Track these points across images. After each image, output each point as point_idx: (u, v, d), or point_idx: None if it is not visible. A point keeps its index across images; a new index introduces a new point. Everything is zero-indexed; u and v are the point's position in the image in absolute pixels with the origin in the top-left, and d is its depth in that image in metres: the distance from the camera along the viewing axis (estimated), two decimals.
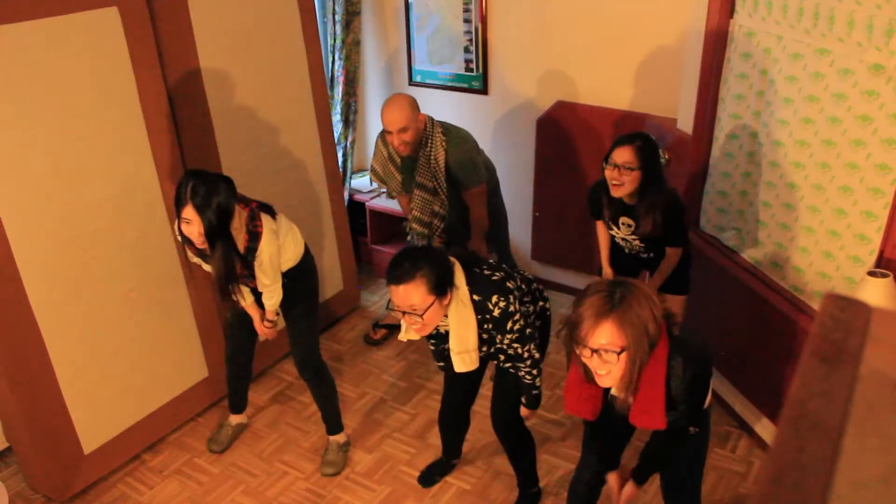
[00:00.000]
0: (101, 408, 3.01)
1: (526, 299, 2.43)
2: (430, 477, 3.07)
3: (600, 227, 3.12)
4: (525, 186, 4.28)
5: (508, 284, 2.29)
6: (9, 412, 2.87)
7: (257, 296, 2.91)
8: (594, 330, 1.86)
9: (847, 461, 0.56)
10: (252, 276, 2.78)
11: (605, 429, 2.27)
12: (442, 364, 2.70)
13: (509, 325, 2.28)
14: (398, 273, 2.14)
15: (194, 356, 3.38)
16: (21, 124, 2.58)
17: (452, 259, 2.29)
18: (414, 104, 3.21)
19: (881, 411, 0.61)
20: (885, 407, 0.62)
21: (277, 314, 2.97)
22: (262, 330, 2.99)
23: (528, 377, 2.45)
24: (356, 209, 4.60)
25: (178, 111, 3.10)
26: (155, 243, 3.07)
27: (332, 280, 4.08)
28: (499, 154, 4.29)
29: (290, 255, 2.86)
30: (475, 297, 2.25)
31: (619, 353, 1.85)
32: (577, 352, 1.92)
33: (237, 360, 3.18)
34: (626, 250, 3.04)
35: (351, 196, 4.59)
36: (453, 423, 2.93)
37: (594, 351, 1.87)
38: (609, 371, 1.89)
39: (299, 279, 2.93)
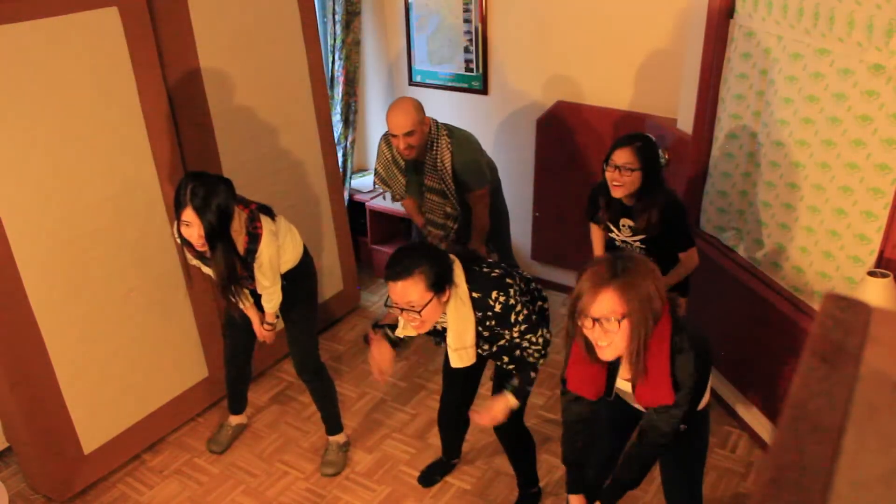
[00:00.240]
0: (101, 408, 3.01)
1: (524, 299, 2.43)
2: (430, 477, 3.07)
3: (594, 230, 3.12)
4: (525, 186, 4.28)
5: (507, 280, 2.29)
6: (9, 412, 2.87)
7: (256, 298, 2.91)
8: (595, 298, 1.83)
9: (847, 461, 0.56)
10: (252, 277, 2.78)
11: (595, 451, 2.27)
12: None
13: (513, 317, 2.27)
14: (397, 270, 2.14)
15: (194, 356, 3.38)
16: (21, 124, 2.58)
17: (452, 257, 2.29)
18: (419, 107, 3.20)
19: (881, 411, 0.61)
20: (885, 407, 0.62)
21: (277, 317, 2.96)
22: (262, 333, 2.98)
23: (532, 357, 2.39)
24: (356, 209, 4.60)
25: (178, 111, 3.10)
26: (155, 243, 3.07)
27: (332, 280, 4.08)
28: (499, 154, 4.29)
29: (290, 257, 2.86)
30: (474, 295, 2.25)
31: (619, 321, 1.82)
32: (580, 323, 1.89)
33: (236, 362, 3.17)
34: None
35: (351, 196, 4.59)
36: (452, 422, 2.91)
37: (595, 321, 1.84)
38: (610, 342, 1.86)
39: (298, 280, 2.92)
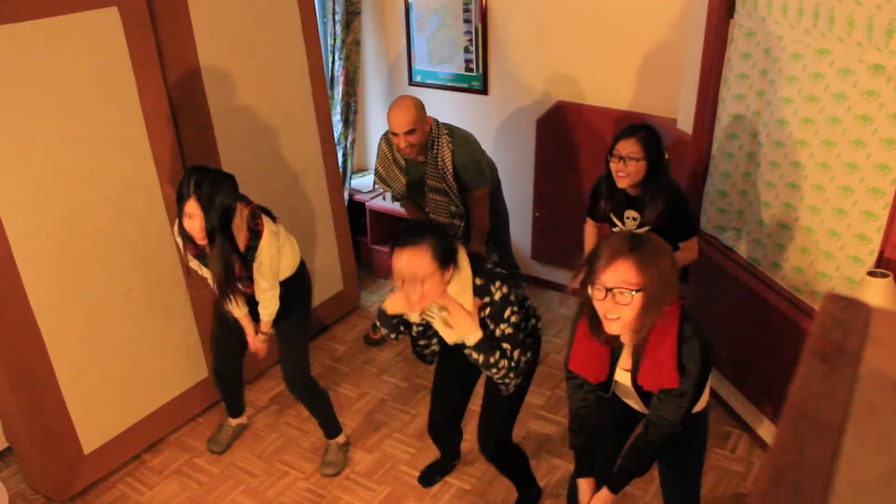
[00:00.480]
0: (101, 408, 3.01)
1: (519, 311, 2.42)
2: (430, 477, 3.07)
3: (589, 226, 3.11)
4: (525, 186, 4.28)
5: (509, 280, 2.30)
6: (9, 412, 2.87)
7: (252, 306, 2.87)
8: (611, 266, 1.81)
9: (847, 461, 0.56)
10: (250, 279, 2.76)
11: (601, 433, 2.25)
12: (427, 352, 2.59)
13: (507, 312, 2.26)
14: (405, 239, 2.16)
15: (194, 356, 3.38)
16: (21, 124, 2.58)
17: (458, 244, 2.30)
18: (420, 106, 3.20)
19: (881, 411, 0.61)
20: (885, 407, 0.62)
21: (272, 327, 2.93)
22: (256, 345, 2.95)
23: (501, 372, 2.34)
24: (356, 209, 4.60)
25: (178, 111, 3.10)
26: (155, 243, 3.07)
27: (332, 280, 4.08)
28: (499, 154, 4.29)
29: (288, 264, 2.84)
30: (478, 281, 2.25)
31: (634, 293, 1.79)
32: (591, 292, 1.86)
33: (224, 374, 3.13)
34: None
35: (351, 196, 4.59)
36: (441, 434, 2.90)
37: (608, 291, 1.81)
38: (620, 315, 1.83)
39: (296, 287, 2.89)
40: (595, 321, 1.93)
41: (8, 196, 2.58)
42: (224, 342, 3.06)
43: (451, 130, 3.32)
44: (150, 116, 2.97)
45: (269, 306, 2.82)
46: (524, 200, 4.32)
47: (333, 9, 4.19)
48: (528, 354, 2.43)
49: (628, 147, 2.72)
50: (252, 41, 3.35)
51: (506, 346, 2.30)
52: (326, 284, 4.03)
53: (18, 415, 2.78)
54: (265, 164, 3.52)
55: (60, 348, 2.81)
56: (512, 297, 2.27)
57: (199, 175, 2.49)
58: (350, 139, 4.51)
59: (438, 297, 2.22)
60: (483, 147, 3.57)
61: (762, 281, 3.00)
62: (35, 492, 3.05)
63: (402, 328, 2.44)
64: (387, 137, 3.40)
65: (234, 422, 3.33)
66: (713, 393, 3.43)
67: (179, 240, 2.73)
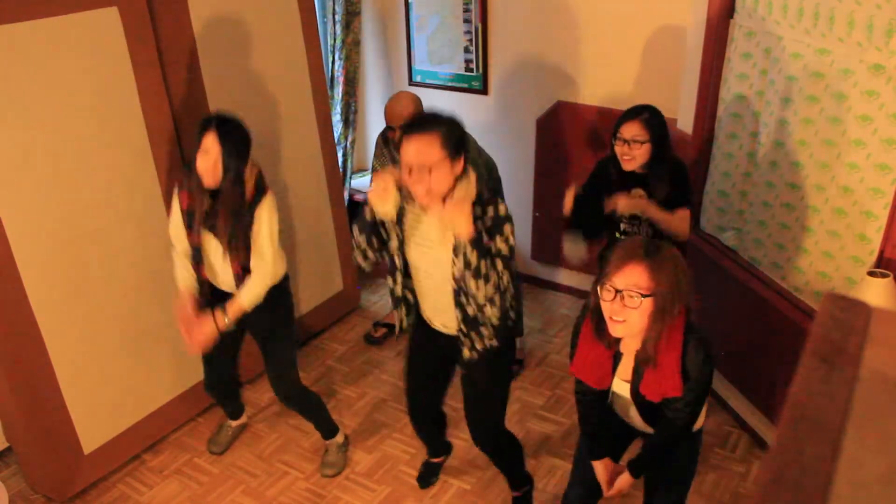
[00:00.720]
0: (101, 408, 3.01)
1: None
2: (425, 478, 3.07)
3: (571, 193, 3.00)
4: (525, 186, 4.28)
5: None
6: (9, 412, 2.87)
7: (221, 300, 2.74)
8: (624, 268, 1.80)
9: (847, 461, 0.56)
10: (247, 247, 2.64)
11: (604, 433, 2.24)
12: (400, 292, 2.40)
13: (507, 229, 2.16)
14: (416, 125, 2.10)
15: (194, 356, 3.37)
16: (21, 124, 2.58)
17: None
18: (418, 101, 3.22)
19: (881, 411, 0.61)
20: (885, 407, 0.62)
21: (242, 330, 2.80)
22: (208, 328, 2.67)
23: (487, 290, 2.16)
24: (356, 209, 4.60)
25: (178, 111, 3.10)
26: (155, 243, 3.07)
27: (332, 280, 4.08)
28: (499, 154, 4.28)
29: (278, 269, 2.77)
30: (485, 195, 2.18)
31: (644, 297, 1.78)
32: (600, 293, 1.85)
33: (218, 389, 3.09)
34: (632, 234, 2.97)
35: (351, 196, 4.59)
36: (420, 416, 2.76)
37: (618, 292, 1.80)
38: (626, 318, 1.82)
39: (282, 298, 2.84)
40: (600, 324, 1.92)
41: (8, 196, 2.57)
42: (212, 359, 2.96)
43: None
44: (150, 116, 2.97)
45: (256, 287, 2.66)
46: (524, 200, 4.32)
47: (333, 9, 4.19)
48: (496, 308, 2.23)
49: (632, 130, 2.70)
50: (252, 41, 3.35)
51: (498, 262, 2.17)
52: (326, 284, 4.03)
53: (18, 415, 2.78)
54: (265, 164, 3.49)
55: (60, 348, 2.81)
56: (511, 221, 2.19)
57: (220, 117, 2.53)
58: (350, 139, 4.51)
59: (445, 191, 2.10)
60: (483, 147, 3.56)
61: (762, 281, 3.00)
62: (35, 492, 3.05)
63: (379, 241, 2.28)
64: (384, 134, 3.41)
65: (233, 423, 3.33)
66: (713, 393, 3.43)
67: (174, 230, 2.69)
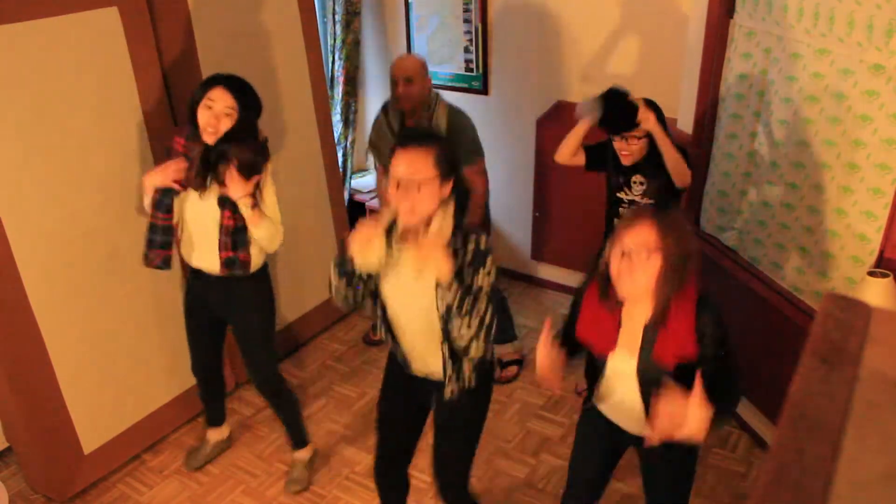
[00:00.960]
0: (101, 408, 3.01)
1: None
2: None
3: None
4: (525, 186, 4.28)
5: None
6: (9, 412, 2.87)
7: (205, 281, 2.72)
8: (633, 227, 1.82)
9: (847, 461, 0.56)
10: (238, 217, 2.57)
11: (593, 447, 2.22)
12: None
13: (489, 262, 2.04)
14: (411, 137, 2.04)
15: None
16: (21, 124, 2.58)
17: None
18: (425, 64, 3.28)
19: (881, 411, 0.61)
20: (885, 407, 0.62)
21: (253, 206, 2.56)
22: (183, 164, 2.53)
23: (472, 329, 2.04)
24: (356, 209, 4.60)
25: (178, 111, 3.09)
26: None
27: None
28: (499, 154, 4.29)
29: (278, 238, 2.71)
30: (465, 227, 2.07)
31: (650, 254, 1.80)
32: (609, 253, 1.87)
33: (204, 376, 3.04)
34: None
35: (351, 196, 4.59)
36: (392, 479, 2.53)
37: (625, 252, 1.82)
38: (634, 277, 1.83)
39: (263, 283, 2.79)
40: (607, 286, 1.92)
41: (8, 196, 2.57)
42: (196, 339, 2.94)
43: (450, 105, 3.35)
44: (150, 116, 2.97)
45: (266, 227, 2.59)
46: (524, 200, 4.32)
47: (333, 9, 4.20)
48: (483, 345, 2.10)
49: None
50: (252, 41, 3.35)
51: (480, 303, 2.04)
52: (326, 284, 4.02)
53: (18, 415, 2.78)
54: None
55: (60, 348, 2.81)
56: (492, 256, 2.06)
57: (229, 74, 2.50)
58: (350, 139, 4.51)
59: (429, 212, 2.00)
60: (483, 147, 3.56)
61: (762, 281, 3.00)
62: (35, 492, 3.05)
63: (359, 281, 2.17)
64: (384, 107, 3.43)
65: (213, 438, 3.22)
66: None
67: (148, 200, 2.61)
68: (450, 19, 4.20)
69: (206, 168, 2.52)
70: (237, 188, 2.51)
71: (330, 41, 4.28)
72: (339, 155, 4.39)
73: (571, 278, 4.32)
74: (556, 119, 3.98)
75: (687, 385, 1.81)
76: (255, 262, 2.71)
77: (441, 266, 1.96)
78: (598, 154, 2.98)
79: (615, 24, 3.69)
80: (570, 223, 4.10)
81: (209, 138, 2.48)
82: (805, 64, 2.66)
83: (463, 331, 2.03)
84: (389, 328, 2.24)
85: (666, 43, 3.56)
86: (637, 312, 1.95)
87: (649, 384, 1.96)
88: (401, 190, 1.97)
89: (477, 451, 2.36)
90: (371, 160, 4.84)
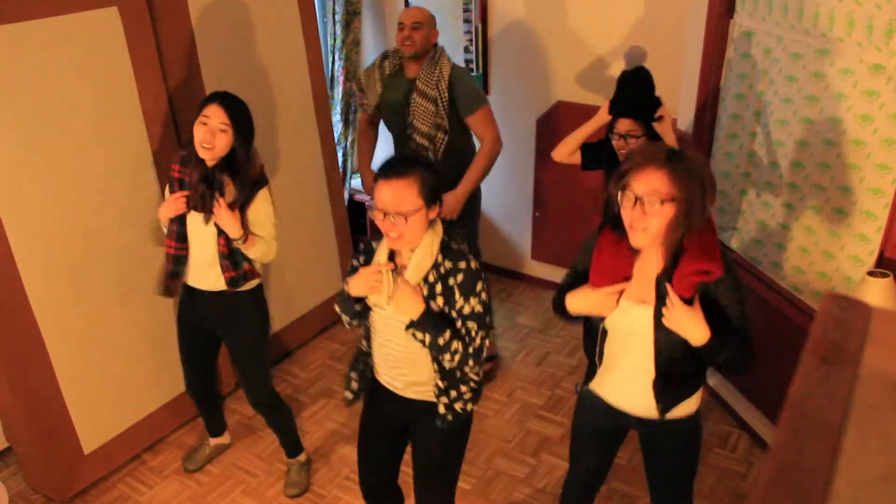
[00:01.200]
0: (101, 408, 3.01)
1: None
2: None
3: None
4: (525, 186, 4.28)
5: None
6: (9, 412, 2.87)
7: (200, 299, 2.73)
8: (644, 173, 1.74)
9: (847, 461, 0.56)
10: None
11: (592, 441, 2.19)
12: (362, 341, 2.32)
13: (479, 286, 2.01)
14: (394, 168, 1.96)
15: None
16: (21, 124, 2.58)
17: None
18: (433, 18, 3.28)
19: (881, 411, 0.61)
20: (885, 407, 0.62)
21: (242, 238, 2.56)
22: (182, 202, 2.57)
23: (456, 358, 2.03)
24: (356, 209, 4.60)
25: (178, 111, 3.10)
26: (154, 243, 3.07)
27: (331, 280, 4.08)
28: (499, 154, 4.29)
29: (272, 252, 2.71)
30: (454, 246, 2.05)
31: (663, 202, 1.73)
32: (620, 199, 1.79)
33: (198, 392, 3.03)
34: None
35: (351, 196, 4.59)
36: (375, 498, 2.51)
37: (638, 199, 1.74)
38: (647, 226, 1.76)
39: (259, 303, 2.78)
40: (620, 228, 1.84)
41: (8, 196, 2.58)
42: (190, 357, 2.93)
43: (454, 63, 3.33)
44: (150, 116, 2.97)
45: (259, 246, 2.60)
46: (524, 200, 4.32)
47: (333, 9, 4.20)
48: (475, 366, 2.09)
49: (627, 125, 2.72)
50: (252, 41, 3.35)
51: (471, 325, 2.02)
52: (326, 284, 4.03)
53: (18, 415, 2.78)
54: (265, 165, 3.51)
55: (60, 348, 2.81)
56: (482, 275, 2.04)
57: (226, 92, 2.51)
58: (350, 139, 4.51)
59: (417, 239, 2.00)
60: None
61: (762, 281, 3.00)
62: (35, 492, 3.05)
63: (364, 314, 2.18)
64: (384, 53, 3.42)
65: (213, 442, 3.24)
66: (713, 393, 3.43)
67: (165, 231, 2.66)
68: (450, 19, 4.20)
69: (206, 190, 2.53)
70: (228, 227, 2.53)
71: (330, 41, 4.28)
72: (339, 155, 4.39)
73: None
74: (556, 119, 3.98)
75: (700, 361, 1.84)
76: (252, 277, 2.72)
77: (412, 310, 1.98)
78: (594, 153, 2.98)
79: (615, 25, 3.69)
80: (571, 223, 4.10)
81: (205, 154, 2.48)
82: (805, 64, 2.66)
83: (447, 361, 2.03)
84: (370, 343, 2.24)
85: (666, 43, 3.56)
86: (649, 262, 1.87)
87: (664, 340, 1.88)
88: (387, 220, 1.96)
89: (476, 452, 2.35)
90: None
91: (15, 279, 2.63)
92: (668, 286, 1.83)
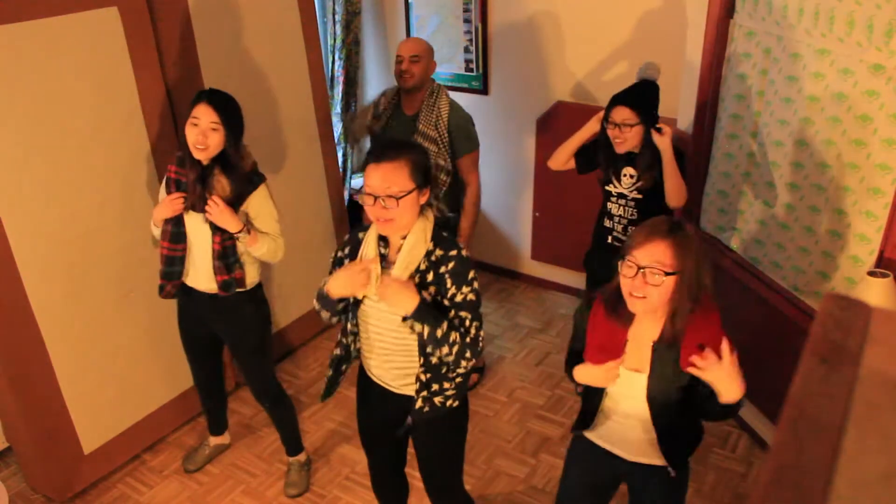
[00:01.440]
0: (101, 408, 3.01)
1: None
2: None
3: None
4: (525, 186, 4.28)
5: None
6: (9, 412, 2.87)
7: (199, 300, 2.73)
8: (647, 244, 1.78)
9: (847, 461, 0.56)
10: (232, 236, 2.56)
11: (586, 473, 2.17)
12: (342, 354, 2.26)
13: (471, 274, 2.00)
14: (383, 151, 1.94)
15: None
16: (21, 124, 2.58)
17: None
18: (432, 50, 3.29)
19: (881, 411, 0.61)
20: (885, 407, 0.62)
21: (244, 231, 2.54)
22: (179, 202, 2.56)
23: (454, 350, 2.00)
24: (356, 209, 4.59)
25: (178, 111, 3.10)
26: (154, 244, 3.07)
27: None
28: (499, 154, 4.30)
29: (280, 251, 2.73)
30: (444, 234, 2.05)
31: (666, 275, 1.76)
32: (621, 269, 1.83)
33: (205, 387, 3.06)
34: (616, 216, 2.99)
35: (351, 196, 4.59)
36: (387, 487, 2.52)
37: (640, 269, 1.78)
38: (647, 295, 1.79)
39: (261, 304, 2.78)
40: (617, 303, 1.88)
41: (8, 196, 2.58)
42: (196, 356, 2.94)
43: (450, 97, 3.35)
44: (150, 116, 2.97)
45: (264, 243, 2.60)
46: (524, 200, 4.32)
47: (333, 9, 4.20)
48: (472, 358, 2.05)
49: (622, 114, 2.73)
50: (252, 41, 3.35)
51: (464, 314, 2.00)
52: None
53: (18, 415, 2.78)
54: (265, 165, 3.50)
55: (60, 348, 2.81)
56: (472, 264, 2.03)
57: (213, 90, 2.50)
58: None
59: (409, 224, 1.97)
60: (482, 147, 3.56)
61: (762, 281, 3.00)
62: (35, 492, 3.05)
63: (348, 308, 2.14)
64: (382, 93, 3.44)
65: (213, 442, 3.24)
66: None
67: (157, 232, 2.66)
68: (450, 19, 4.20)
69: (202, 190, 2.53)
70: (225, 223, 2.51)
71: (330, 41, 4.28)
72: (339, 155, 4.39)
73: (572, 278, 4.32)
74: (556, 119, 3.98)
75: (694, 408, 1.97)
76: (251, 278, 2.72)
77: (405, 305, 1.94)
78: (587, 156, 2.99)
79: (615, 25, 3.69)
80: (571, 223, 4.10)
81: (199, 155, 2.48)
82: (805, 64, 2.65)
83: (444, 354, 2.00)
84: (357, 339, 2.22)
85: (666, 43, 3.56)
86: (643, 330, 1.91)
87: (659, 405, 1.94)
88: (377, 205, 1.93)
89: (476, 452, 2.34)
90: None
91: (15, 279, 2.63)
92: (701, 350, 1.91)
